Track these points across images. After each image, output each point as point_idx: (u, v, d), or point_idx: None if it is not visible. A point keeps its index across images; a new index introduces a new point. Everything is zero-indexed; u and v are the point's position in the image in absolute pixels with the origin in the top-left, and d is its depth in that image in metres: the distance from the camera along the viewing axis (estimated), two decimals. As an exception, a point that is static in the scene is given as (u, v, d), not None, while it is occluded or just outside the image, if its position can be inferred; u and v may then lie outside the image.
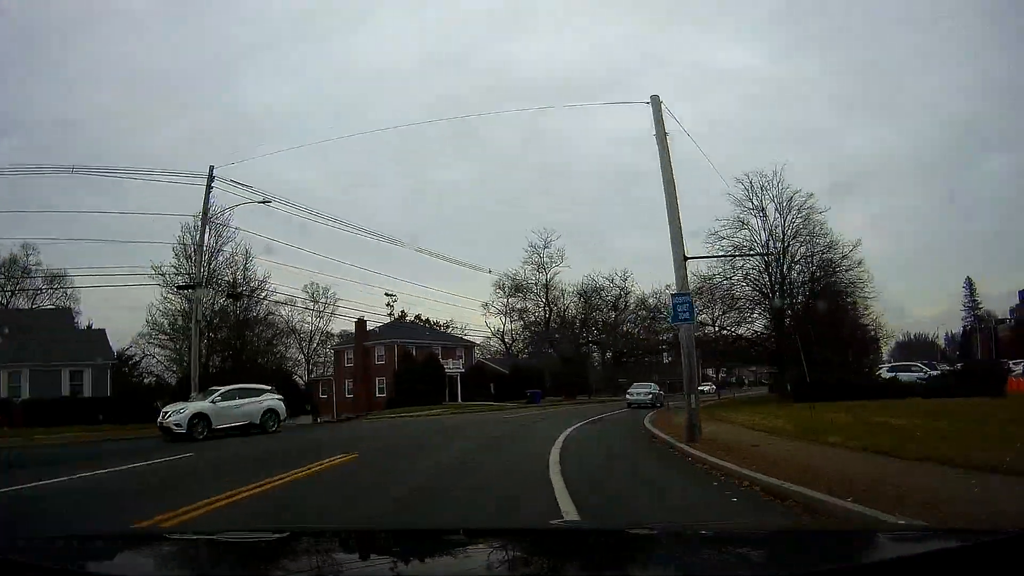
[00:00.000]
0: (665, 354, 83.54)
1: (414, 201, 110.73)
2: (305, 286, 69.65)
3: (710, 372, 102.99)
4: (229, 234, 46.36)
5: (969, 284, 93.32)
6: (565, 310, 66.07)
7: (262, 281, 51.38)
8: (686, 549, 2.58)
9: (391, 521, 7.67)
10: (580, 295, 65.58)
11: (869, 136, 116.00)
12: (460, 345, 73.01)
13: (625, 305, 69.73)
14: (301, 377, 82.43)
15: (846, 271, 35.82)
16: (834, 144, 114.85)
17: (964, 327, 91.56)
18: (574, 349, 65.66)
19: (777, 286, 36.41)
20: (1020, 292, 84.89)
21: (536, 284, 64.26)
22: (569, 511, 7.64)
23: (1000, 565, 1.77)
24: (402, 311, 77.99)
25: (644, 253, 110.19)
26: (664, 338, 77.97)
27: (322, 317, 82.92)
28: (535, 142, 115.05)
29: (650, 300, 71.24)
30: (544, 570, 2.34)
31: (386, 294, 72.73)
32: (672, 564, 2.36)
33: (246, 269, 49.60)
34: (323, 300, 78.31)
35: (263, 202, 34.04)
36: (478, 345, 77.05)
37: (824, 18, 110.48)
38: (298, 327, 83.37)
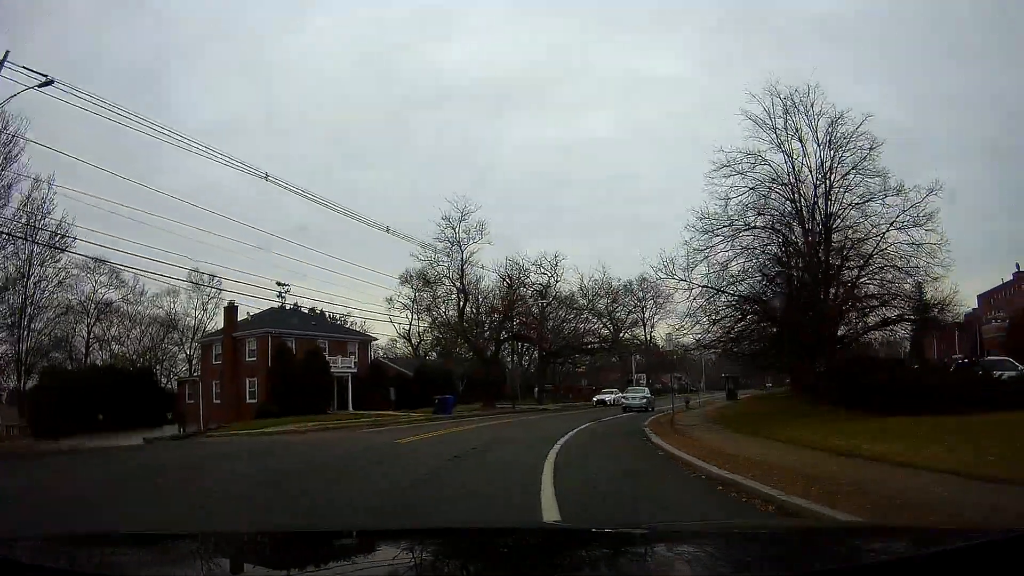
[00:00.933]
0: (594, 355, 72.77)
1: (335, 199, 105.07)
2: (189, 273, 57.70)
3: (641, 377, 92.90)
4: (15, 152, 32.17)
5: (919, 288, 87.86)
6: (483, 298, 53.21)
7: (61, 224, 36.51)
8: (684, 549, 2.43)
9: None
10: (502, 279, 53.07)
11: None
12: (354, 339, 59.11)
13: (555, 296, 57.64)
14: (176, 377, 68.05)
15: (911, 226, 24.28)
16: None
17: (912, 329, 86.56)
18: (494, 346, 52.83)
19: (820, 246, 24.73)
20: (979, 296, 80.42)
21: (449, 265, 50.95)
22: None
23: (1002, 565, 1.74)
24: (295, 304, 64.55)
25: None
26: (603, 334, 67.12)
27: (206, 308, 69.80)
28: (464, 146, 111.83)
29: (577, 294, 60.01)
30: (540, 568, 2.27)
31: (277, 283, 59.34)
32: (670, 564, 2.24)
33: (44, 208, 34.85)
34: (208, 287, 65.16)
35: (43, 84, 23.98)
36: (376, 341, 63.57)
37: (752, 33, 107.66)
38: (180, 319, 70.01)
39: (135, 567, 2.25)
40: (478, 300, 51.83)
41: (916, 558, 1.92)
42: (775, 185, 25.11)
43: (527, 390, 67.45)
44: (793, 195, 24.93)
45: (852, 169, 24.30)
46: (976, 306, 78.26)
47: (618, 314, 67.15)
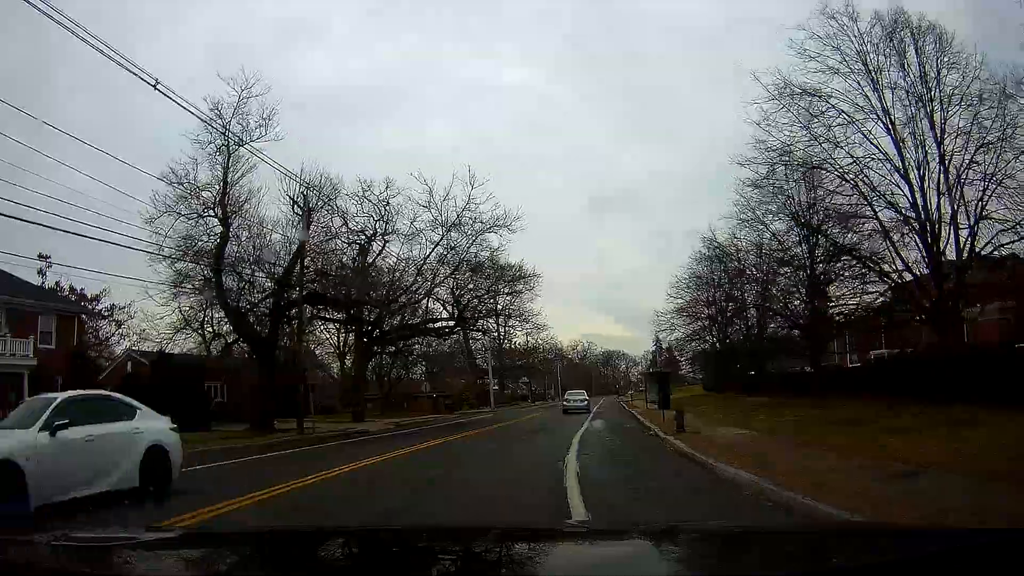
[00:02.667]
0: (443, 338, 52.68)
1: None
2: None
3: (490, 381, 74.61)
4: None
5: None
6: (260, 233, 30.53)
7: None
8: (692, 547, 2.44)
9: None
10: (293, 202, 30.23)
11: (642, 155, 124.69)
12: (52, 310, 35.31)
13: (387, 233, 37.09)
14: None
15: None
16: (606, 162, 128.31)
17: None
18: (270, 320, 30.66)
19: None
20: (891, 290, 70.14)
21: (212, 185, 28.82)
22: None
23: (1003, 565, 1.73)
24: (56, 283, 41.18)
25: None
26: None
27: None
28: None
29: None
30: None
31: (40, 256, 38.17)
32: (673, 563, 2.29)
33: None
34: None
35: None
36: (94, 309, 39.79)
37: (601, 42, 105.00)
38: None
39: (134, 567, 2.23)
40: (252, 237, 29.82)
41: (917, 559, 1.90)
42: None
43: (344, 397, 47.14)
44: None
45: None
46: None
47: (465, 299, 45.21)
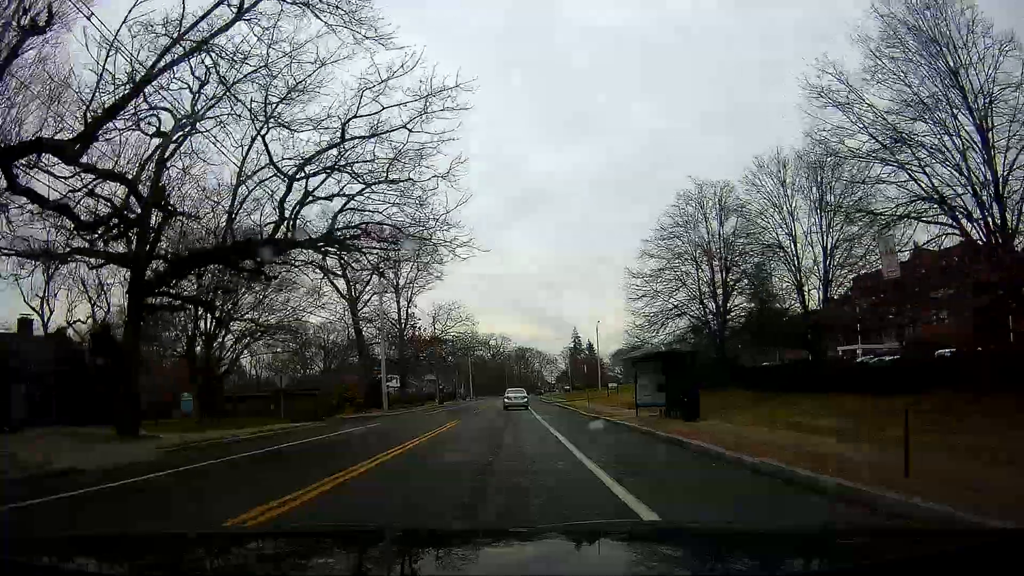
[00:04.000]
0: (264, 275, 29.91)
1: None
2: None
3: (384, 378, 60.44)
4: None
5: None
6: None
7: None
8: (713, 549, 2.36)
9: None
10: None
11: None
12: None
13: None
14: None
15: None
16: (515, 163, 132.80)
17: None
18: None
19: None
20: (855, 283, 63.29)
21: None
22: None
23: (1005, 565, 1.70)
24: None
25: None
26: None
27: None
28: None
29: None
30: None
31: None
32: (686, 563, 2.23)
33: None
34: None
35: None
36: None
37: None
38: None
39: (132, 567, 2.20)
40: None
41: (915, 560, 1.84)
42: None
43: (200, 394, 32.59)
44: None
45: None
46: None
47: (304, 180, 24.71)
